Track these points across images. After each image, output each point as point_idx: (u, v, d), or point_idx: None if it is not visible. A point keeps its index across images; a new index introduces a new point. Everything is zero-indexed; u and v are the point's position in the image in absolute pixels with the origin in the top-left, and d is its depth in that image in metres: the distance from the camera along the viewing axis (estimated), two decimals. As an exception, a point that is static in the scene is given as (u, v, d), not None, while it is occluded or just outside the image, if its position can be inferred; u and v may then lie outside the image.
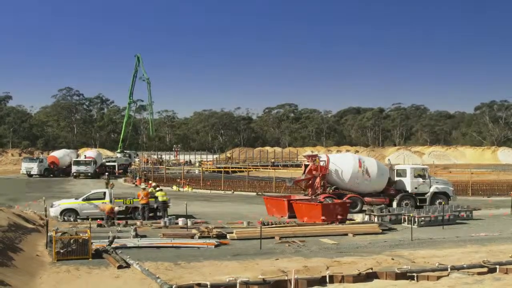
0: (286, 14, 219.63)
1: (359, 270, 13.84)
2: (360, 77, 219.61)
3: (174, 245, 18.28)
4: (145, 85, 68.74)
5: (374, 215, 24.56)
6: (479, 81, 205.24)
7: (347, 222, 23.97)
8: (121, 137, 71.02)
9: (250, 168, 59.56)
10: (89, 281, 13.40)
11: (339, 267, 14.69)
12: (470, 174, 46.62)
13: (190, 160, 73.74)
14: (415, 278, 13.43)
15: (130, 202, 25.93)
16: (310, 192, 29.44)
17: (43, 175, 55.33)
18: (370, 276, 13.59)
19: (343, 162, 30.07)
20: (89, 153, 62.05)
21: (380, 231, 21.93)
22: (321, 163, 29.48)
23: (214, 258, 16.22)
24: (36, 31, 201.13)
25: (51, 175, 55.90)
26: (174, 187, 44.62)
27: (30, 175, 55.15)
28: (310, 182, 29.61)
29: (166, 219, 23.52)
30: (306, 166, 30.38)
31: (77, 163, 56.01)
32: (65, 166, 58.41)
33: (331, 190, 29.42)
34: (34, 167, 55.69)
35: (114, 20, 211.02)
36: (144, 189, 26.57)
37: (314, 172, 29.39)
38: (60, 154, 60.63)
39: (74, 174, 54.50)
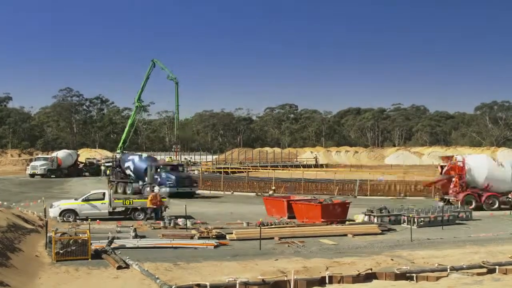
0: (286, 14, 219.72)
1: (358, 271, 13.85)
2: (360, 78, 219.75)
3: (174, 245, 18.29)
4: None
5: (374, 216, 24.57)
6: (479, 82, 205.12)
7: (347, 222, 24.00)
8: (123, 138, 70.91)
9: (249, 169, 59.56)
10: (88, 282, 13.41)
11: (338, 268, 14.70)
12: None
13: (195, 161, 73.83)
14: (415, 279, 13.44)
15: (130, 202, 25.95)
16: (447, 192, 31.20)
17: (45, 175, 55.20)
18: (369, 276, 13.60)
19: (478, 163, 31.74)
20: (59, 153, 62.05)
21: (380, 231, 21.94)
22: (458, 164, 31.24)
23: (213, 258, 16.23)
24: (36, 32, 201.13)
25: (53, 176, 55.83)
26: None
27: (32, 176, 54.99)
28: (446, 182, 31.43)
29: (166, 220, 23.54)
30: (442, 167, 32.48)
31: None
32: (67, 166, 58.44)
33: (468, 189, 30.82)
34: (45, 167, 55.51)
35: (114, 20, 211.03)
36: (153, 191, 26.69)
37: (451, 172, 31.29)
38: (63, 155, 60.64)
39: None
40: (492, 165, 31.59)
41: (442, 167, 32.67)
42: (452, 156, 33.14)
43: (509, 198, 30.57)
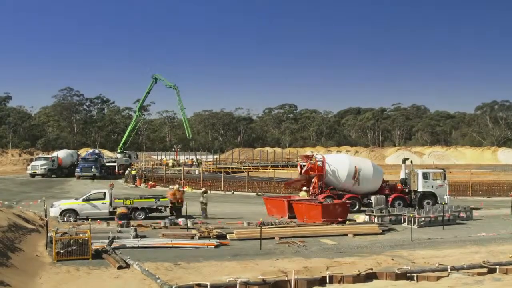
0: (287, 14, 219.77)
1: (359, 271, 13.85)
2: (361, 77, 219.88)
3: (174, 245, 18.29)
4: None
5: (374, 216, 24.56)
6: (480, 82, 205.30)
7: (347, 222, 23.98)
8: (123, 140, 71.29)
9: (250, 169, 59.55)
10: (89, 282, 13.40)
11: (339, 268, 14.69)
12: (470, 174, 46.62)
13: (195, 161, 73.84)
14: (415, 279, 13.45)
15: (130, 202, 25.95)
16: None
17: (46, 175, 55.19)
18: (370, 276, 13.61)
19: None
20: (60, 152, 62.18)
21: (380, 231, 21.92)
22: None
23: (214, 258, 16.23)
24: (37, 32, 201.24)
25: (54, 176, 55.81)
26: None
27: (32, 175, 54.97)
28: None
29: (166, 220, 23.55)
30: (302, 166, 30.38)
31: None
32: (67, 166, 58.47)
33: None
34: (46, 167, 55.50)
35: (115, 20, 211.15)
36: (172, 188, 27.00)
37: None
38: (64, 154, 60.68)
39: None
40: (353, 165, 29.76)
41: (302, 166, 30.24)
42: (312, 156, 31.05)
43: (370, 200, 29.22)
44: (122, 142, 71.12)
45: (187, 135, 75.01)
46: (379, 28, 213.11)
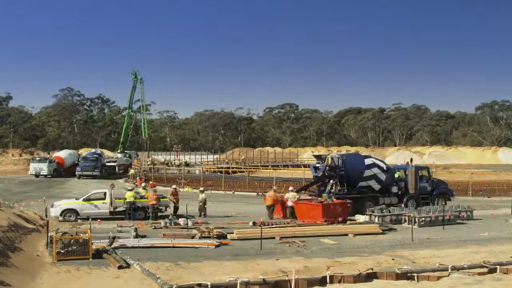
0: (287, 14, 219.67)
1: (359, 270, 13.84)
2: (361, 77, 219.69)
3: (175, 245, 18.29)
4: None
5: (375, 216, 24.55)
6: (480, 81, 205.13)
7: (348, 222, 23.98)
8: (121, 139, 71.58)
9: (250, 169, 59.57)
10: (89, 281, 13.41)
11: (339, 267, 14.69)
12: (471, 174, 46.65)
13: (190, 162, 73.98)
14: (416, 278, 13.44)
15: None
16: None
17: (52, 175, 55.26)
18: (370, 276, 13.59)
19: None
20: (61, 153, 62.41)
21: (381, 231, 21.93)
22: None
23: (214, 258, 16.23)
24: (37, 31, 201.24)
25: (49, 176, 55.84)
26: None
27: (37, 176, 55.02)
28: None
29: (167, 219, 23.52)
30: None
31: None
32: (68, 166, 58.57)
33: None
34: (44, 168, 55.54)
35: (115, 20, 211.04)
36: (155, 190, 27.00)
37: None
38: (65, 155, 60.84)
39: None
40: None
41: None
42: None
43: None
44: (121, 141, 71.40)
45: (143, 135, 75.36)
46: (379, 28, 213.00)
